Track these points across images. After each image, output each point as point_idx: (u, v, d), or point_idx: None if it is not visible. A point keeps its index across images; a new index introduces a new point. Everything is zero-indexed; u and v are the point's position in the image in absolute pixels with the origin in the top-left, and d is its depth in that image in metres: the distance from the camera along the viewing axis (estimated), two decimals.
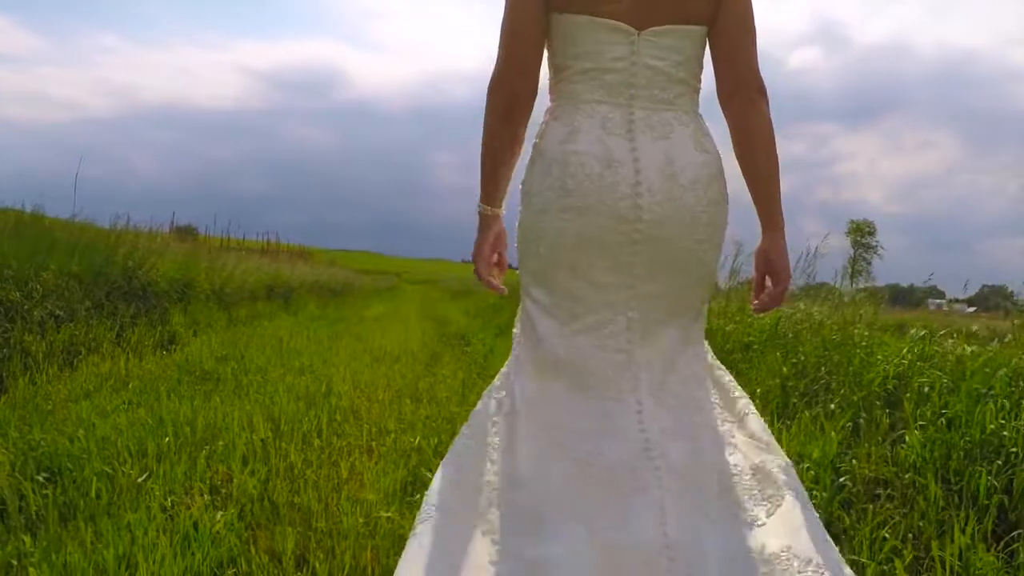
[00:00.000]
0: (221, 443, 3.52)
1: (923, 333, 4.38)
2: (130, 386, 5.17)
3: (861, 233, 70.58)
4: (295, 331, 9.81)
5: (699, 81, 1.84)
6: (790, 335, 5.25)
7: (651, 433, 1.69)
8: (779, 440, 3.75)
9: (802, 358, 4.61)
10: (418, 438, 3.70)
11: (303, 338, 8.87)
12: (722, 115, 1.86)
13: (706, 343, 1.94)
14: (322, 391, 5.07)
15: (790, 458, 1.88)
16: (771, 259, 1.82)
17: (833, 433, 3.36)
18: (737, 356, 5.10)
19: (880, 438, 3.42)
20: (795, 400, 4.21)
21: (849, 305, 5.81)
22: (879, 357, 4.15)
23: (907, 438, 3.22)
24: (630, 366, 1.74)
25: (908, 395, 3.65)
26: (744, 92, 1.81)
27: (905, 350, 4.15)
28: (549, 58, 1.84)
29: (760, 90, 1.81)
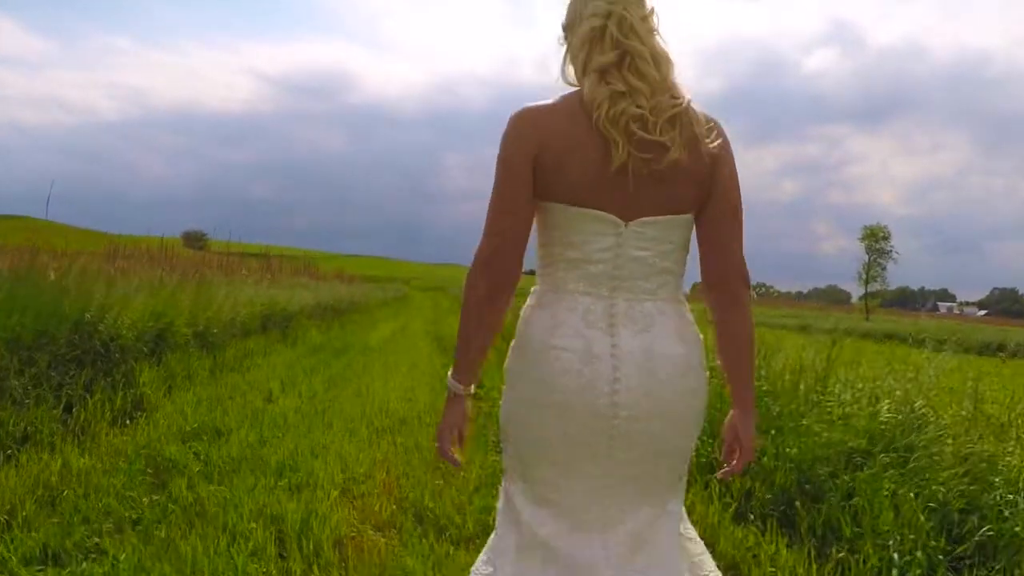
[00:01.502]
0: None
1: None
2: (63, 496, 4.08)
3: (876, 238, 70.02)
4: (288, 378, 8.70)
5: (683, 266, 1.85)
6: (901, 439, 4.09)
7: None
8: None
9: (938, 494, 3.45)
10: None
11: (294, 394, 7.74)
12: None
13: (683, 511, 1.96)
14: (300, 516, 3.92)
15: None
16: (740, 436, 1.91)
17: None
18: (840, 474, 3.93)
19: None
20: (943, 570, 3.06)
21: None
22: None
23: None
24: (604, 547, 1.78)
25: None
26: (729, 285, 1.83)
27: None
28: (538, 244, 1.85)
29: (744, 281, 1.83)
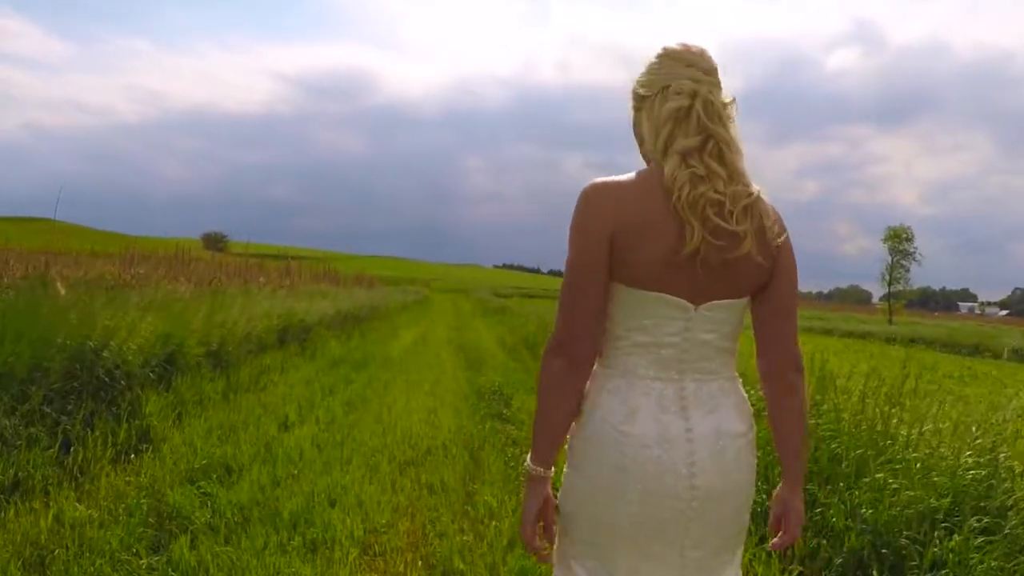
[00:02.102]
0: None
1: None
2: (53, 556, 3.68)
3: (899, 240, 69.08)
4: (305, 399, 8.30)
5: (737, 343, 1.85)
6: (991, 499, 3.61)
7: None
8: None
9: None
10: None
11: (311, 419, 7.32)
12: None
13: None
14: None
15: None
16: (787, 511, 1.89)
17: None
18: (926, 540, 3.45)
19: None
20: None
21: None
22: None
23: None
24: None
25: None
26: (785, 375, 1.84)
27: None
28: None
29: (799, 370, 1.85)
